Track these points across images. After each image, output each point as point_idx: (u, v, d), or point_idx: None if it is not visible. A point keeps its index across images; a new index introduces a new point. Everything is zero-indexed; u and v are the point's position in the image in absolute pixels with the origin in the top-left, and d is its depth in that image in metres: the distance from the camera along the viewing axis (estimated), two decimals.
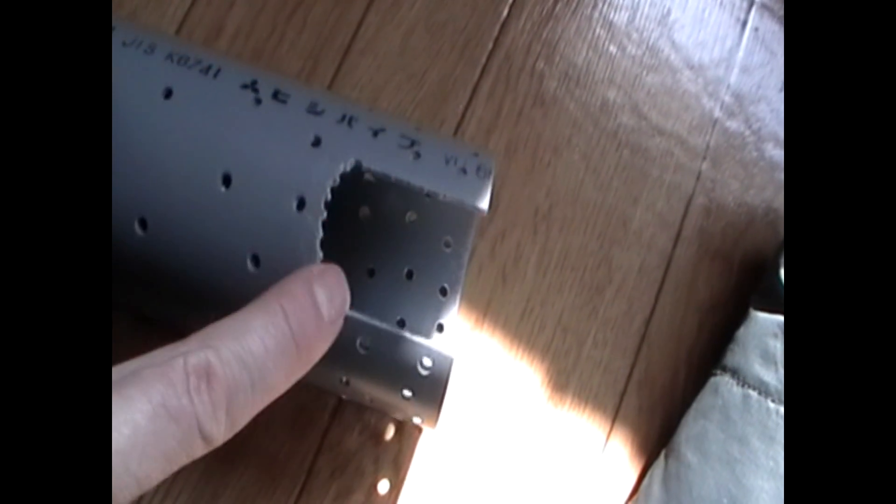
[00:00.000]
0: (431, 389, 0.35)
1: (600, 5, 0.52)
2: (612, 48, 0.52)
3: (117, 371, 0.24)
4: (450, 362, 0.34)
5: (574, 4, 0.52)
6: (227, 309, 0.34)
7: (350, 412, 0.44)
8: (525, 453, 0.45)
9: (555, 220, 0.48)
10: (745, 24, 0.54)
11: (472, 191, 0.34)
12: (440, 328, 0.44)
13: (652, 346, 0.47)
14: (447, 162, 0.35)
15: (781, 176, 0.51)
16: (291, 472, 0.43)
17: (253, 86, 0.35)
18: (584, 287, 0.48)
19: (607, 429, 0.46)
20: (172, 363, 0.24)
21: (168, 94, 0.33)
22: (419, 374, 0.34)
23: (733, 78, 0.53)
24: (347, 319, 0.33)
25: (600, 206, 0.49)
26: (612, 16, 0.52)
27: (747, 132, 0.52)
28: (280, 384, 0.27)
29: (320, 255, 0.32)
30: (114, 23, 0.36)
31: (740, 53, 0.54)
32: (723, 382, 0.40)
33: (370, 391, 0.37)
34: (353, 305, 0.34)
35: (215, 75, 0.35)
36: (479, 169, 0.35)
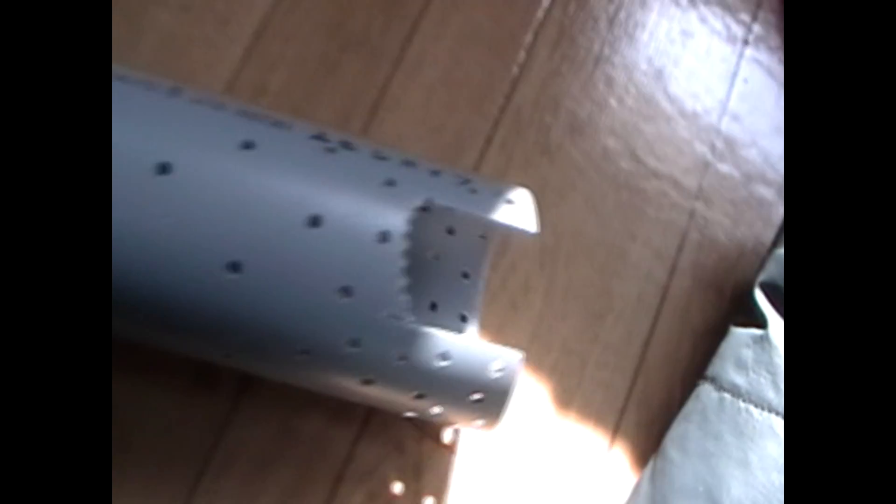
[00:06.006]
0: (502, 389, 0.38)
1: (601, 64, 0.58)
2: (612, 101, 0.58)
3: None
4: (519, 360, 0.38)
5: (578, 64, 0.58)
6: (315, 343, 0.37)
7: (376, 424, 0.50)
8: (533, 464, 0.50)
9: (560, 255, 0.54)
10: (735, 75, 0.60)
11: (523, 218, 0.40)
12: None
13: (649, 367, 0.52)
14: (496, 195, 0.40)
15: (769, 213, 0.56)
16: (322, 479, 0.49)
17: (322, 137, 0.39)
18: (587, 314, 0.53)
19: (608, 442, 0.50)
20: None
21: (248, 145, 0.36)
22: (490, 377, 0.38)
23: (724, 125, 0.58)
24: (424, 334, 0.37)
25: (601, 242, 0.54)
26: (611, 72, 0.58)
27: (737, 174, 0.57)
28: None
29: (405, 281, 0.36)
30: (177, 84, 0.41)
31: (731, 103, 0.59)
32: (703, 389, 0.45)
33: (442, 402, 0.40)
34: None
35: (286, 128, 0.39)
36: (522, 200, 0.41)
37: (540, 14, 0.59)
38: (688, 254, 0.55)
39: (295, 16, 0.56)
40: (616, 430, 0.51)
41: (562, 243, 0.54)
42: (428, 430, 0.50)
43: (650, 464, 0.46)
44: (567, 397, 0.51)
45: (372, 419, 0.50)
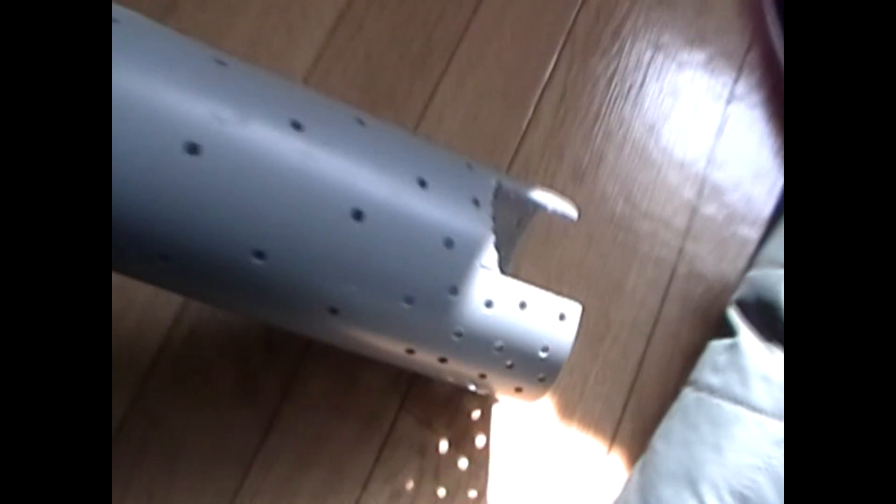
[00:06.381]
0: (566, 337, 0.44)
1: (600, 120, 0.66)
2: (610, 152, 0.65)
3: None
4: (580, 310, 0.45)
5: (579, 118, 0.66)
6: (421, 289, 0.41)
7: (401, 431, 0.56)
8: (540, 467, 0.56)
9: (564, 284, 0.61)
10: (720, 129, 0.67)
11: (567, 206, 0.49)
12: None
13: (643, 383, 0.59)
14: (543, 191, 0.49)
15: (750, 249, 0.63)
16: (352, 479, 0.55)
17: (405, 128, 0.47)
18: (588, 336, 0.59)
19: (606, 448, 0.57)
20: None
21: (360, 121, 0.41)
22: (557, 326, 0.44)
23: (710, 172, 0.66)
24: (508, 283, 0.43)
25: (600, 273, 0.61)
26: (609, 127, 0.66)
27: (721, 215, 0.64)
28: None
29: (494, 238, 0.42)
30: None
31: (716, 153, 0.67)
32: (685, 392, 0.52)
33: (516, 353, 0.44)
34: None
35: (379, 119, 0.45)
36: (560, 195, 0.49)
37: (546, 75, 0.67)
38: (677, 285, 0.62)
39: (332, 75, 0.64)
40: (613, 438, 0.57)
41: (566, 274, 0.61)
42: (448, 436, 0.56)
43: (640, 459, 0.52)
44: (570, 409, 0.58)
45: (398, 426, 0.56)
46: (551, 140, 0.65)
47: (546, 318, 0.44)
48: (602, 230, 0.63)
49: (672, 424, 0.51)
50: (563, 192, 0.63)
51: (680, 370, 0.59)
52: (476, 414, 0.57)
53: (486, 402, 0.57)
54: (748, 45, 0.71)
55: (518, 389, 0.48)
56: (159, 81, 0.35)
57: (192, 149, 0.35)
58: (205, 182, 0.35)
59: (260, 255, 0.38)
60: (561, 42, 0.68)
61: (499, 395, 0.54)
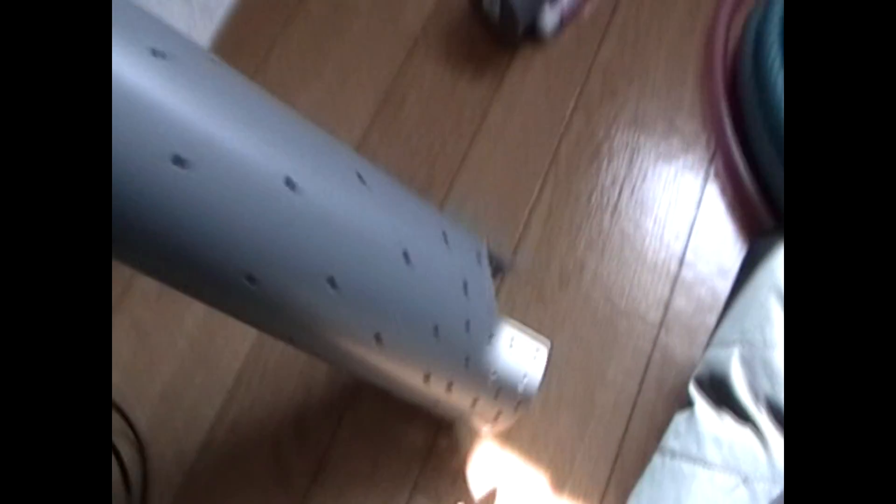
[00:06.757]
0: (539, 368, 0.55)
1: (582, 231, 0.77)
2: (591, 259, 0.76)
3: None
4: (550, 346, 0.56)
5: (564, 232, 0.77)
6: (446, 323, 0.49)
7: (423, 485, 0.66)
8: None
9: (553, 375, 0.71)
10: (690, 232, 0.78)
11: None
12: None
13: (625, 458, 0.67)
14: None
15: None
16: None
17: None
18: (576, 419, 0.69)
19: None
20: None
21: (401, 186, 0.49)
22: (533, 358, 0.55)
23: (681, 270, 0.76)
24: (504, 322, 0.53)
25: (585, 364, 0.71)
26: (590, 237, 0.77)
27: (691, 307, 0.74)
28: None
29: (493, 284, 0.53)
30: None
31: (686, 253, 0.77)
32: (654, 458, 0.60)
33: (505, 383, 0.54)
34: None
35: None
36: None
37: (534, 195, 0.78)
38: (653, 371, 0.71)
39: None
40: None
41: (555, 366, 0.71)
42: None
43: None
44: (560, 482, 0.67)
45: (422, 477, 0.66)
46: (539, 251, 0.76)
47: (527, 351, 0.55)
48: (586, 328, 0.73)
49: (642, 485, 0.60)
50: (550, 297, 0.74)
51: (656, 445, 0.68)
52: (481, 489, 0.66)
53: (486, 476, 0.67)
54: (711, 157, 0.82)
55: (498, 414, 0.57)
56: (260, 131, 0.40)
57: (289, 183, 0.40)
58: (296, 211, 0.40)
59: (332, 281, 0.42)
60: (546, 166, 0.80)
61: (477, 424, 0.63)
